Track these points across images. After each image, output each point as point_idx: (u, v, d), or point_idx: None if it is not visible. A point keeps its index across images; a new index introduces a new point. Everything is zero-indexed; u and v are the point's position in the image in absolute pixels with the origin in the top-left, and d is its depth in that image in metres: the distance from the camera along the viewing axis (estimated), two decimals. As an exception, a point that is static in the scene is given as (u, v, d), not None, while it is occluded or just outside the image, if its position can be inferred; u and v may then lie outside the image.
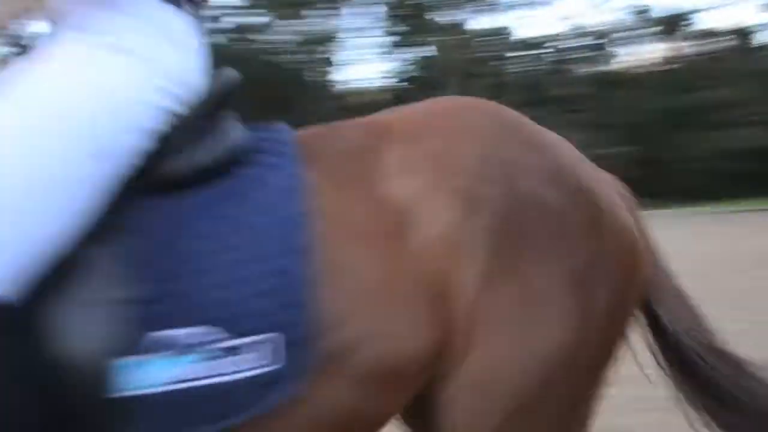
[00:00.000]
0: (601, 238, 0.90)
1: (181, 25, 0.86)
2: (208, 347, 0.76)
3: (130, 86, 0.79)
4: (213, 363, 0.76)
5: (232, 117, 0.91)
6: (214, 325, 0.76)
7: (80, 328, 0.72)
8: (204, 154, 0.85)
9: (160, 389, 0.74)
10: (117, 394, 0.72)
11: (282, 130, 0.94)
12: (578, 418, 0.93)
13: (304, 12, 32.62)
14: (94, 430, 0.73)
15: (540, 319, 0.85)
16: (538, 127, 1.00)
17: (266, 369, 0.77)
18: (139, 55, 0.81)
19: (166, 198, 0.82)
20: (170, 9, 0.85)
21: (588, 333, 0.87)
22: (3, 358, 0.69)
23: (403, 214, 0.85)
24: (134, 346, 0.73)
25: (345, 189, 0.87)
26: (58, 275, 0.73)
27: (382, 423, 0.89)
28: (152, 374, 0.74)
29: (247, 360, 0.77)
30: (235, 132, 0.89)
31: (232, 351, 0.76)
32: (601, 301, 0.89)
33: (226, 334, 0.76)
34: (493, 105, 1.03)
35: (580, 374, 0.89)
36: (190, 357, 0.75)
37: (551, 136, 0.99)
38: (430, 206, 0.85)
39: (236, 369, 0.76)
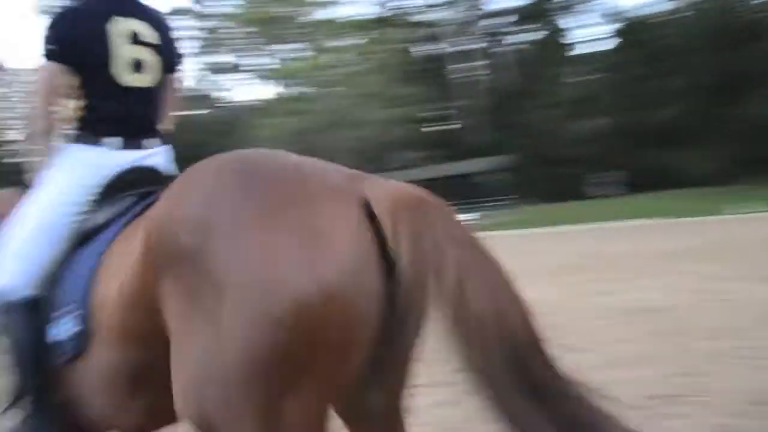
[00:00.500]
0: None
1: (95, 157, 1.79)
2: (65, 316, 1.53)
3: (69, 193, 1.75)
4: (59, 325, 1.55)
5: (129, 197, 1.73)
6: (69, 303, 1.52)
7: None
8: (97, 219, 1.70)
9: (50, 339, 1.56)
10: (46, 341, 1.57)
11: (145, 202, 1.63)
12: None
13: None
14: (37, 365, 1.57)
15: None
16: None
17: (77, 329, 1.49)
18: (82, 164, 1.79)
19: (82, 242, 1.68)
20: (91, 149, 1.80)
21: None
22: (27, 322, 1.59)
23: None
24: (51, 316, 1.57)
25: (126, 239, 1.49)
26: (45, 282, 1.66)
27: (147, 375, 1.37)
28: (53, 331, 1.55)
29: (68, 323, 1.51)
30: (115, 207, 1.70)
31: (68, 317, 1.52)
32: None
33: (72, 306, 1.51)
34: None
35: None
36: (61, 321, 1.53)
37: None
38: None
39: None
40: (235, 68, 55.81)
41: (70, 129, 1.86)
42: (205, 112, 63.45)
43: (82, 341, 1.48)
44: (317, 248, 1.07)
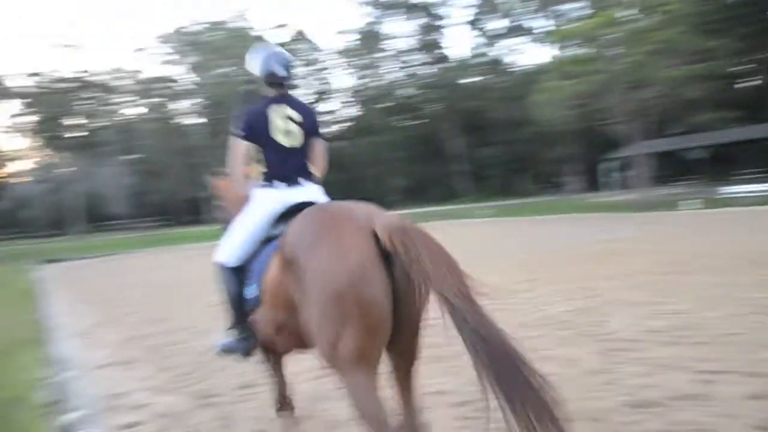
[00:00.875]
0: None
1: (272, 193, 3.11)
2: (252, 284, 2.95)
3: (261, 215, 3.05)
4: None
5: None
6: (254, 278, 2.91)
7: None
8: (274, 231, 2.99)
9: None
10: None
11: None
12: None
13: None
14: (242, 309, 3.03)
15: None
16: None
17: None
18: (265, 202, 3.08)
19: (265, 243, 3.01)
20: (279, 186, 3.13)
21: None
22: (235, 281, 3.04)
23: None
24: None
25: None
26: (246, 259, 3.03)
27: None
28: (246, 291, 3.03)
29: (253, 289, 2.96)
30: (282, 227, 2.86)
31: None
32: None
33: (255, 279, 2.92)
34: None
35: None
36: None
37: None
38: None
39: None
40: (511, 32, 55.53)
41: (260, 177, 3.18)
42: (483, 78, 64.49)
43: (257, 301, 2.83)
44: (344, 256, 2.20)
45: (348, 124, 77.80)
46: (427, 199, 57.75)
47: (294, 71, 3.29)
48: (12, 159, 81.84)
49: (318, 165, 3.32)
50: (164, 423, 4.04)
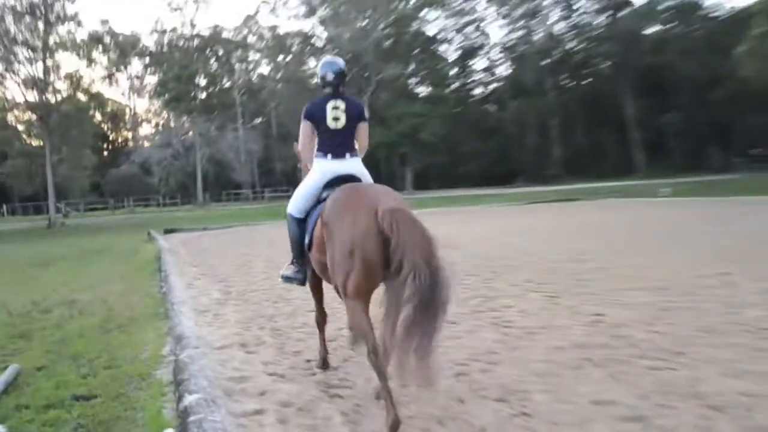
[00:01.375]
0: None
1: (323, 163, 4.86)
2: (309, 233, 4.80)
3: (315, 180, 4.86)
4: None
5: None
6: (309, 229, 4.77)
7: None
8: (323, 195, 4.78)
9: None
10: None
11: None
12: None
13: None
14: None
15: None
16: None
17: None
18: (318, 170, 4.87)
19: (316, 204, 4.80)
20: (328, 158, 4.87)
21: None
22: (298, 229, 4.93)
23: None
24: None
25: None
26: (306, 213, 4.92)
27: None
28: (305, 237, 4.84)
29: (309, 236, 4.79)
30: (329, 191, 4.65)
31: None
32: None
33: (310, 230, 4.76)
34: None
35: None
36: None
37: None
38: None
39: None
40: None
41: (316, 153, 4.92)
42: (667, 27, 60.79)
43: (310, 246, 4.62)
44: (356, 225, 3.84)
45: (497, 84, 76.79)
46: (591, 173, 55.83)
47: (343, 75, 5.04)
48: (135, 122, 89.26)
49: (361, 143, 5.08)
50: (287, 413, 4.19)
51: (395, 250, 3.60)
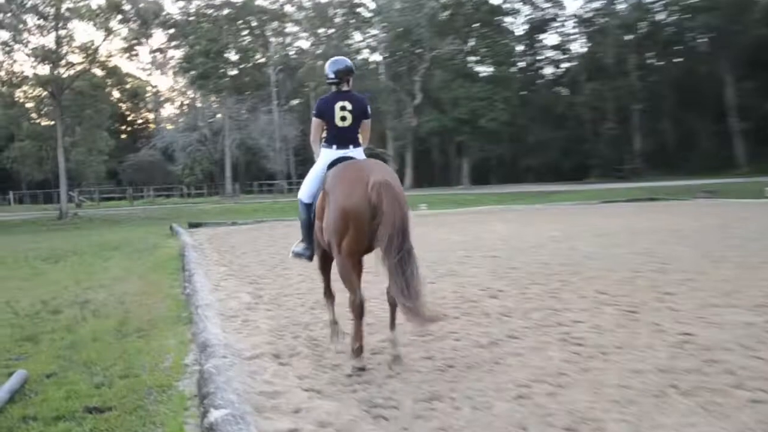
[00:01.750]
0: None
1: (329, 152, 6.49)
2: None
3: (322, 165, 6.47)
4: None
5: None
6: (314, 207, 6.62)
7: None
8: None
9: None
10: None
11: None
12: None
13: None
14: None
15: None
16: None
17: None
18: (324, 157, 6.52)
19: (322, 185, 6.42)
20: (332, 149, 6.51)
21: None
22: (307, 211, 6.63)
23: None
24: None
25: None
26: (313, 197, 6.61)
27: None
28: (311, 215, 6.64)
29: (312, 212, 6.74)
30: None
31: None
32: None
33: (313, 207, 6.66)
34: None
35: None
36: None
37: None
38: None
39: None
40: None
41: (323, 143, 6.53)
42: None
43: (314, 218, 6.45)
44: (351, 195, 5.55)
45: (571, 64, 75.83)
46: (680, 169, 54.87)
47: (351, 72, 6.44)
48: (157, 102, 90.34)
49: (364, 137, 6.61)
50: (324, 434, 4.23)
51: (378, 215, 5.38)
